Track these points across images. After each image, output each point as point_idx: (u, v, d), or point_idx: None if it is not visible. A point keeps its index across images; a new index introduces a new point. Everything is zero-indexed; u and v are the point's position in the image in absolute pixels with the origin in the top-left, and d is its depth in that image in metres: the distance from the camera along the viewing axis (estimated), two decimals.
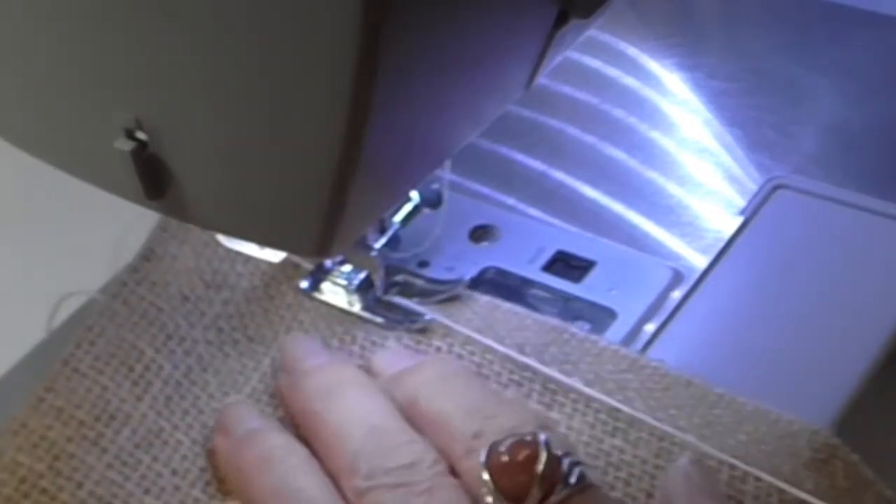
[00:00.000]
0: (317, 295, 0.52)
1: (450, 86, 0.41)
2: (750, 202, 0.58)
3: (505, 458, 0.41)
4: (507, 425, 0.42)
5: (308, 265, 0.52)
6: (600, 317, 0.52)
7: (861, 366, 0.49)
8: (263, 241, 0.45)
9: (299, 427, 0.46)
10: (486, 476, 0.41)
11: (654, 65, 0.67)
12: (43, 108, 0.43)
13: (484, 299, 0.51)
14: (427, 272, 0.53)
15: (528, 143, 0.62)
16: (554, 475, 0.40)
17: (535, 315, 0.50)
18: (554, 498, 0.40)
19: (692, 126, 0.63)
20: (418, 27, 0.37)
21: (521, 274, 0.55)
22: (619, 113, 0.64)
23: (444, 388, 0.45)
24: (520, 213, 0.59)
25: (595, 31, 0.66)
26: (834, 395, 0.47)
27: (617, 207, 0.59)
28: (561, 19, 0.44)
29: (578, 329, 0.50)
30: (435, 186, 0.53)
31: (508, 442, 0.41)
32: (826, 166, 0.60)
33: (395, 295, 0.51)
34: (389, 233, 0.52)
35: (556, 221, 0.58)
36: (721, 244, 0.56)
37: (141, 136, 0.40)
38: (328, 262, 0.52)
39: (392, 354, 0.49)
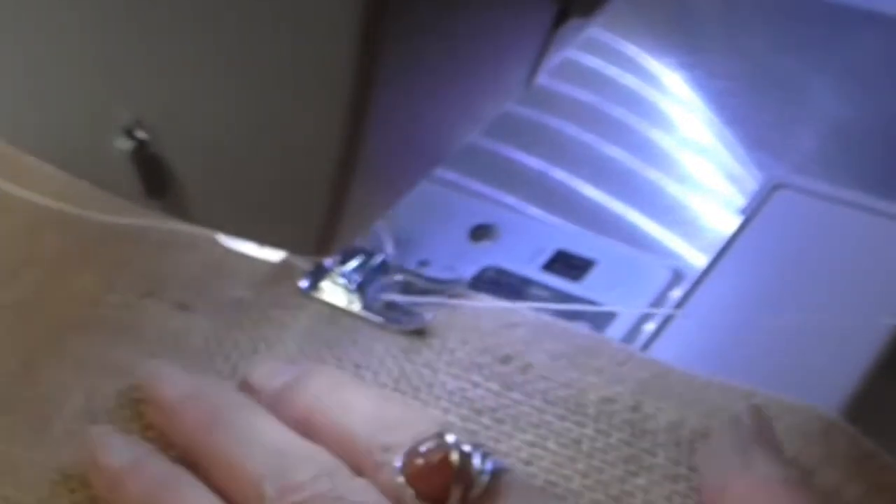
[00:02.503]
0: (316, 294, 0.52)
1: (449, 84, 0.41)
2: (750, 201, 0.58)
3: (420, 463, 0.41)
4: (413, 432, 0.43)
5: (307, 264, 0.52)
6: (600, 316, 0.52)
7: (861, 366, 0.49)
8: (263, 241, 0.45)
9: (189, 464, 0.44)
10: (404, 483, 0.41)
11: (654, 64, 0.67)
12: (43, 108, 0.43)
13: (483, 301, 0.51)
14: (427, 271, 0.53)
15: (527, 143, 0.62)
16: (469, 471, 0.41)
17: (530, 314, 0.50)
18: (476, 490, 0.41)
19: (692, 125, 0.63)
20: (418, 26, 0.37)
21: (521, 273, 0.54)
22: (618, 112, 0.64)
23: (337, 400, 0.45)
24: (520, 212, 0.59)
25: (595, 31, 0.66)
26: (833, 395, 0.47)
27: (617, 206, 0.59)
28: (561, 17, 0.44)
29: (579, 329, 0.50)
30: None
31: (421, 448, 0.42)
32: (826, 166, 0.60)
33: (395, 294, 0.51)
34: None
35: (555, 220, 0.58)
36: (721, 243, 0.56)
37: (141, 135, 0.40)
38: (328, 262, 0.52)
39: (269, 368, 0.48)
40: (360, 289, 0.51)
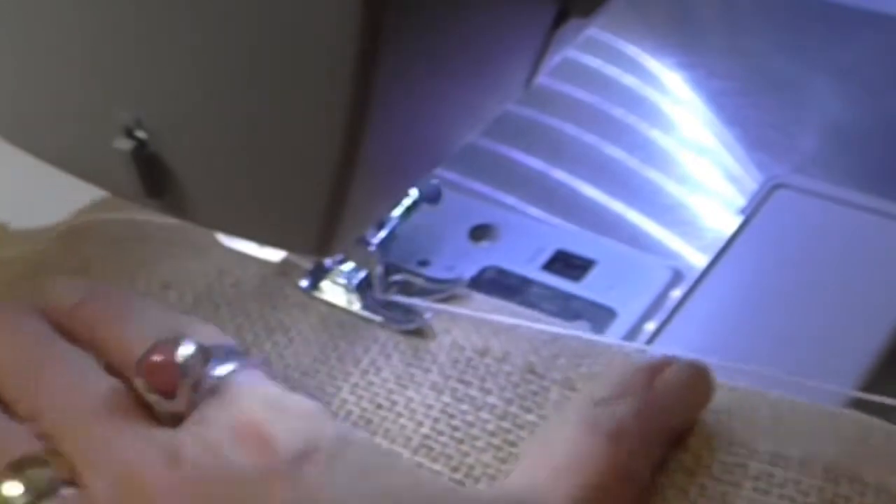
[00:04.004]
0: (316, 294, 0.52)
1: (449, 84, 0.41)
2: (750, 201, 0.58)
3: (155, 359, 0.43)
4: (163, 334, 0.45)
5: (307, 264, 0.52)
6: (600, 316, 0.52)
7: (860, 366, 0.49)
8: (263, 241, 0.45)
9: None
10: (139, 379, 0.43)
11: (654, 64, 0.67)
12: (43, 108, 0.43)
13: (483, 300, 0.51)
14: (427, 271, 0.53)
15: (527, 143, 0.62)
16: (199, 365, 0.43)
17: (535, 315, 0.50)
18: (204, 386, 0.43)
19: (692, 125, 0.63)
20: (418, 26, 0.37)
21: (521, 273, 0.55)
22: (618, 112, 0.64)
23: (118, 316, 0.47)
24: (519, 212, 0.59)
25: (595, 31, 0.66)
26: (833, 395, 0.47)
27: (617, 206, 0.59)
28: (561, 17, 0.44)
29: (578, 328, 0.50)
30: (434, 182, 0.53)
31: (155, 345, 0.43)
32: (826, 166, 0.60)
33: (395, 294, 0.51)
34: (388, 228, 0.52)
35: (555, 220, 0.58)
36: (721, 243, 0.56)
37: (141, 135, 0.40)
38: (328, 261, 0.52)
39: (67, 285, 0.50)
40: (360, 289, 0.51)
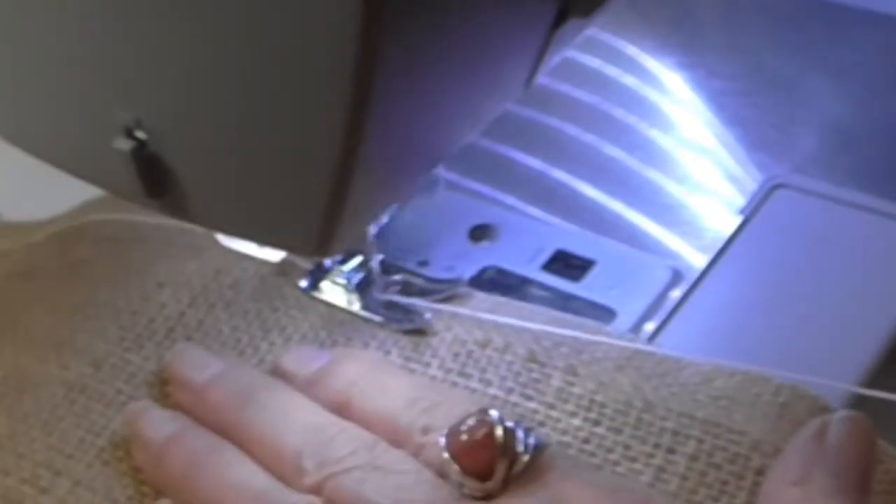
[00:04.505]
0: (316, 294, 0.52)
1: (449, 84, 0.41)
2: (750, 201, 0.58)
3: (465, 438, 0.41)
4: (453, 412, 0.43)
5: (307, 264, 0.52)
6: (600, 316, 0.52)
7: (860, 366, 0.49)
8: (263, 241, 0.45)
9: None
10: (449, 459, 0.41)
11: (654, 64, 0.67)
12: (43, 108, 0.43)
13: (484, 297, 0.51)
14: (426, 271, 0.53)
15: (527, 142, 0.62)
16: (513, 445, 0.41)
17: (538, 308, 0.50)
18: (519, 466, 0.41)
19: (692, 125, 0.63)
20: (417, 25, 0.37)
21: (521, 273, 0.55)
22: (618, 112, 0.64)
23: (375, 384, 0.45)
24: (519, 212, 0.59)
25: (595, 30, 0.66)
26: (832, 395, 0.47)
27: (616, 206, 0.59)
28: (561, 17, 0.44)
29: (579, 323, 0.50)
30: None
31: (465, 424, 0.42)
32: (826, 165, 0.60)
33: (395, 294, 0.51)
34: (387, 217, 0.51)
35: (555, 220, 0.58)
36: (721, 243, 0.56)
37: (141, 135, 0.40)
38: (327, 261, 0.52)
39: (301, 353, 0.48)
40: (360, 288, 0.51)
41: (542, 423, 0.46)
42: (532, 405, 0.46)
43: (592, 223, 0.58)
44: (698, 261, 0.55)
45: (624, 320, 0.52)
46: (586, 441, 0.45)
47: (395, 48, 0.36)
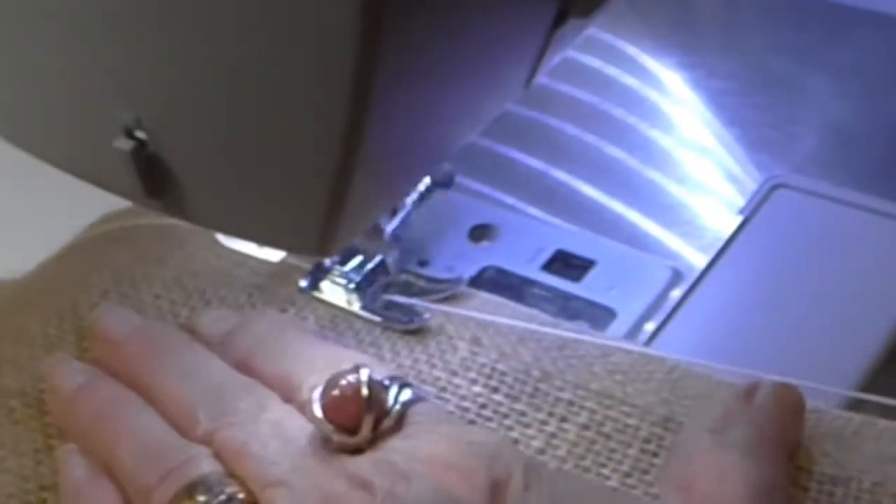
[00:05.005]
0: (316, 294, 0.52)
1: (449, 84, 0.41)
2: (749, 201, 0.58)
3: (335, 394, 0.43)
4: (335, 369, 0.44)
5: (307, 264, 0.52)
6: (600, 316, 0.52)
7: (859, 366, 0.49)
8: (263, 241, 0.45)
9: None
10: (320, 414, 0.42)
11: (654, 64, 0.67)
12: (42, 108, 0.43)
13: (484, 297, 0.51)
14: (427, 271, 0.53)
15: (527, 143, 0.62)
16: (381, 401, 0.43)
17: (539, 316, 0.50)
18: (388, 421, 0.43)
19: (692, 125, 0.63)
20: (417, 26, 0.37)
21: (521, 273, 0.55)
22: (619, 112, 0.64)
23: (275, 344, 0.47)
24: (519, 212, 0.59)
25: (595, 31, 0.66)
26: (832, 395, 0.47)
27: (616, 206, 0.59)
28: (560, 17, 0.44)
29: (579, 327, 0.50)
30: (447, 168, 0.52)
31: (337, 381, 0.43)
32: (826, 165, 0.60)
33: (395, 294, 0.51)
34: (401, 215, 0.51)
35: (555, 220, 0.58)
36: (720, 243, 0.56)
37: (141, 135, 0.40)
38: (328, 261, 0.52)
39: (216, 315, 0.49)
40: (360, 289, 0.51)
41: (443, 389, 0.47)
42: (436, 373, 0.47)
43: (592, 223, 0.58)
44: (698, 261, 0.55)
45: (624, 320, 0.52)
46: (483, 406, 0.46)
47: (395, 48, 0.36)
